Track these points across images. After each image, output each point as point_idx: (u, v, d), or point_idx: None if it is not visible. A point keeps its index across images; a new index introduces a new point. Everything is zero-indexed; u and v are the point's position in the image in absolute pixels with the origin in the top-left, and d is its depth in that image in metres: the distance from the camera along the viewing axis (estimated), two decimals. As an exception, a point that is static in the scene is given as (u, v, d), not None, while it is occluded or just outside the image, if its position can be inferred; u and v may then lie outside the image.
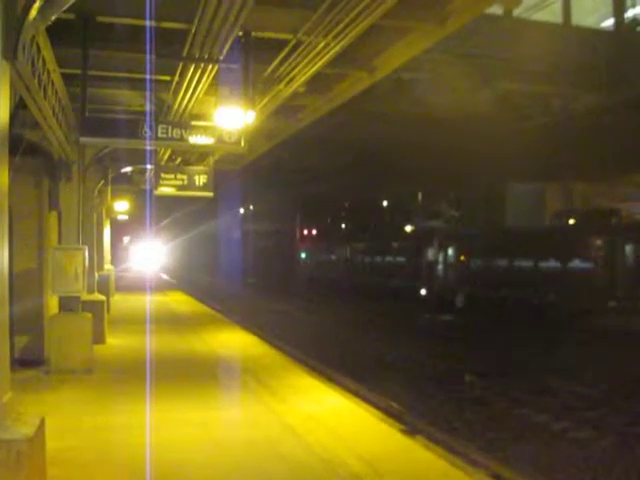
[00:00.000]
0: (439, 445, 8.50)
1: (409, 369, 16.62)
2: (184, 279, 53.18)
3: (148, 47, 8.97)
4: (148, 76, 10.53)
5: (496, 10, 13.67)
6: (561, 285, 23.58)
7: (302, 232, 58.34)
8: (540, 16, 14.65)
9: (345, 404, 10.07)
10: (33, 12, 4.85)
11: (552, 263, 24.92)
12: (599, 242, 23.51)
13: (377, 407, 10.46)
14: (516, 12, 14.10)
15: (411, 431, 9.02)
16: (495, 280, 27.33)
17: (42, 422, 4.96)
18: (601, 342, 18.31)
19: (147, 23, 8.68)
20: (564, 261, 24.20)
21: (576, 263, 23.94)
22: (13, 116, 8.03)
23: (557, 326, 21.05)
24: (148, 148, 12.68)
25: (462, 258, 30.82)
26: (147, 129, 9.80)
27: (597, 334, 19.57)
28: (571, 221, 26.62)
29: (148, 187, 15.37)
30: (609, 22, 16.96)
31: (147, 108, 12.35)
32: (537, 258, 25.50)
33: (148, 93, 11.36)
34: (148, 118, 10.47)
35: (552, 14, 15.46)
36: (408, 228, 41.59)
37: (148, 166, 16.72)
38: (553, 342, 18.89)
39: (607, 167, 24.48)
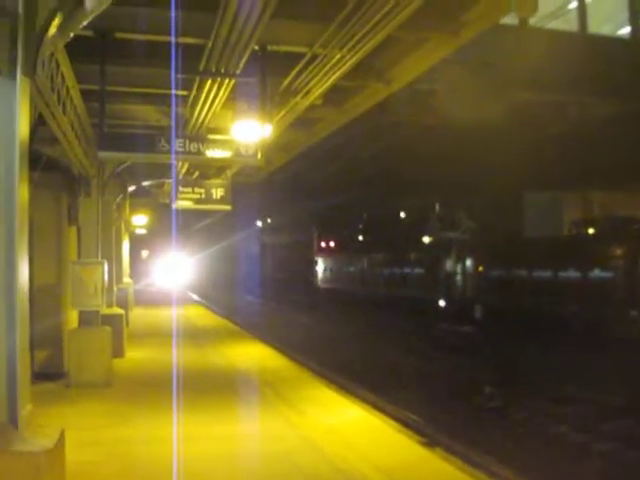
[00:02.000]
0: (458, 457, 8.43)
1: (428, 380, 16.51)
2: (208, 296, 52.22)
3: (173, 63, 9.05)
4: (174, 91, 10.60)
5: (511, 19, 13.66)
6: (581, 295, 23.35)
7: (320, 244, 58.19)
8: (555, 24, 14.63)
9: (363, 416, 10.04)
10: (52, 29, 4.91)
11: (571, 273, 24.69)
12: (619, 251, 23.26)
13: (395, 419, 10.41)
14: (531, 21, 14.08)
15: (430, 443, 8.97)
16: (513, 290, 27.12)
17: (62, 434, 4.98)
18: (622, 352, 18.09)
19: (172, 39, 8.77)
20: (583, 270, 23.97)
21: (596, 272, 23.70)
22: (33, 132, 8.13)
23: (577, 336, 20.84)
24: (173, 162, 12.75)
25: (480, 269, 30.63)
26: (167, 143, 9.90)
27: (618, 344, 19.34)
28: (590, 230, 26.37)
29: (173, 201, 15.49)
30: (625, 30, 16.89)
31: (169, 122, 12.45)
32: (556, 268, 25.28)
33: (174, 108, 11.39)
34: (173, 132, 10.56)
35: (567, 22, 15.43)
36: (426, 239, 41.40)
37: (174, 179, 16.67)
38: (573, 352, 18.71)
39: (626, 175, 24.28)
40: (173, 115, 11.49)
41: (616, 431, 11.92)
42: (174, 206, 15.93)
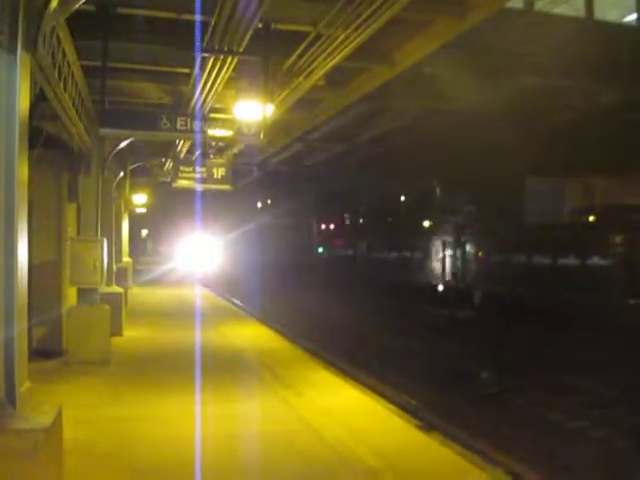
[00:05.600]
0: (455, 441, 8.44)
1: (425, 365, 16.53)
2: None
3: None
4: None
5: (517, 4, 13.52)
6: (580, 282, 23.36)
7: (319, 227, 57.92)
8: (561, 10, 14.46)
9: (361, 399, 10.04)
10: (54, 3, 4.83)
11: (571, 260, 24.71)
12: (619, 239, 23.27)
13: (393, 402, 10.41)
14: (537, 6, 13.93)
15: (427, 427, 8.97)
16: (512, 276, 27.13)
17: (59, 412, 4.96)
18: (620, 340, 18.12)
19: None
20: (583, 258, 24.00)
21: (595, 260, 23.73)
22: (33, 108, 8.06)
23: (575, 324, 20.87)
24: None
25: (479, 254, 30.63)
26: (169, 121, 9.84)
27: (616, 332, 19.37)
28: (590, 218, 26.38)
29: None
30: (632, 17, 16.73)
31: (171, 100, 12.33)
32: (555, 255, 25.30)
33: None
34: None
35: (573, 8, 15.26)
36: (426, 223, 41.30)
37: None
38: (570, 340, 18.74)
39: (630, 163, 24.21)
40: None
41: (610, 419, 11.96)
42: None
